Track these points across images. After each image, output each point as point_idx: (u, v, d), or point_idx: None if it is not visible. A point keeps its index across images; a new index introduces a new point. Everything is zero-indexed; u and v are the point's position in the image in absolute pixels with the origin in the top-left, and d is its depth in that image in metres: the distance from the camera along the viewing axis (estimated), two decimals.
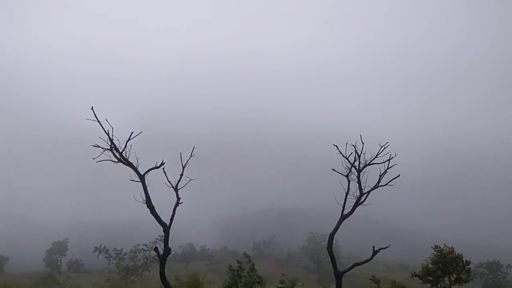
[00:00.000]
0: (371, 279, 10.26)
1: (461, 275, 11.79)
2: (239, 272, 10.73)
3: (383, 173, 11.49)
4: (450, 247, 12.16)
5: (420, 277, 12.17)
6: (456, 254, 12.00)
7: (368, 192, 11.59)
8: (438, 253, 12.02)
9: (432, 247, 12.42)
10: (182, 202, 11.06)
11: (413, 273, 12.47)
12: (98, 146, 9.91)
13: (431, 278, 11.97)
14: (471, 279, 12.16)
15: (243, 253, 11.75)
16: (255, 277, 10.61)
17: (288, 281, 10.68)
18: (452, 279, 11.81)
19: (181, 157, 10.94)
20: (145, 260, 30.10)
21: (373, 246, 11.20)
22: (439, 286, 11.87)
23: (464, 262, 11.93)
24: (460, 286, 11.91)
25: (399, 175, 11.35)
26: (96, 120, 9.67)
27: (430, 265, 12.02)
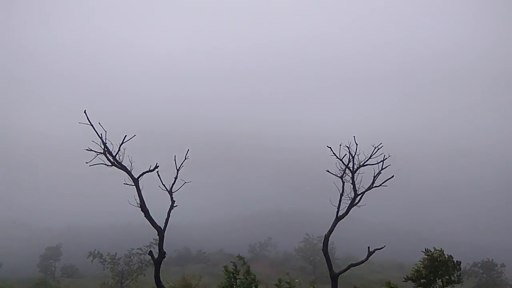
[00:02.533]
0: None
1: (452, 277, 11.84)
2: (235, 274, 10.71)
3: (377, 174, 11.51)
4: (440, 249, 12.19)
5: (413, 280, 12.21)
6: (446, 256, 12.03)
7: (363, 193, 11.59)
8: (429, 257, 12.06)
9: (422, 251, 12.45)
10: (176, 205, 10.99)
11: (405, 277, 12.50)
12: (91, 150, 9.79)
13: (424, 281, 12.01)
14: (462, 281, 12.20)
15: (237, 256, 11.70)
16: (251, 279, 10.59)
17: (286, 282, 10.67)
18: (445, 280, 11.85)
19: (175, 160, 10.88)
20: (139, 264, 29.94)
21: (368, 247, 11.20)
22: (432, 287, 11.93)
23: (455, 262, 11.95)
24: (453, 287, 11.96)
25: (393, 176, 11.38)
26: (89, 123, 9.59)
27: (422, 269, 12.05)
